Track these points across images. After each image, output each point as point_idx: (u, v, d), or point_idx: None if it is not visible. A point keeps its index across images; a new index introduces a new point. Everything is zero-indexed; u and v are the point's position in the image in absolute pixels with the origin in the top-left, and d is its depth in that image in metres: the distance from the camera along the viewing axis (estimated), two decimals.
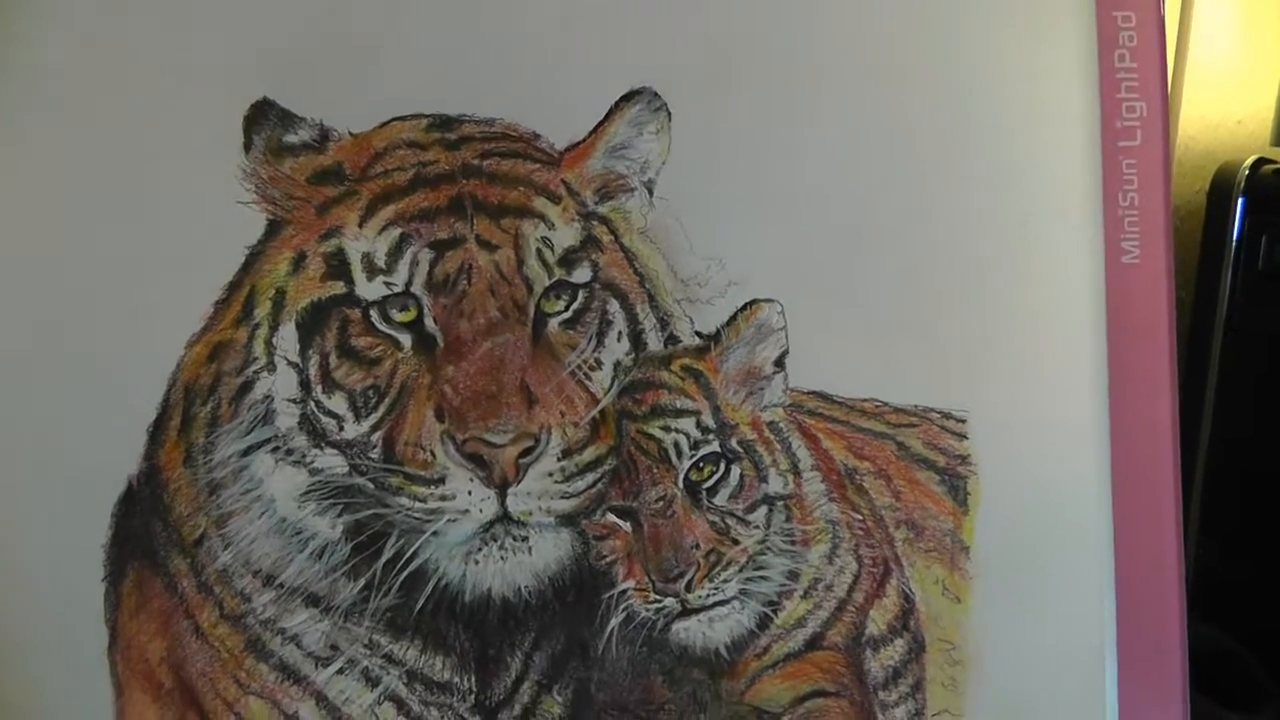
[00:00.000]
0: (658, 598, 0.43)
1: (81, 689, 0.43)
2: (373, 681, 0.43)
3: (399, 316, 0.44)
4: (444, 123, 0.45)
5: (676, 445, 0.43)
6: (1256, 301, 0.60)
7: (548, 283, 0.44)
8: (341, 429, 0.43)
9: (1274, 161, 0.61)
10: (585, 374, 0.44)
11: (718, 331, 0.44)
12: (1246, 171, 0.60)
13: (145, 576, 0.43)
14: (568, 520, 0.43)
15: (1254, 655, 0.55)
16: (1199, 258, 0.61)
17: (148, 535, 0.43)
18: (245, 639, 0.43)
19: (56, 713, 0.44)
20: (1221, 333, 0.56)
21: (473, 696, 0.44)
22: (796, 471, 0.44)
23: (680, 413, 0.44)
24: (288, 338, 0.44)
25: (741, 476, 0.44)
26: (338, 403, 0.43)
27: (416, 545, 0.43)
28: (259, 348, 0.44)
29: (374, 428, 0.43)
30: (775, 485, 0.44)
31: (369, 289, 0.44)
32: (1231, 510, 0.58)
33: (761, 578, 0.44)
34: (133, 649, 0.43)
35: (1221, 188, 0.61)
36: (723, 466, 0.44)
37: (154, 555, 0.43)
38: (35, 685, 0.44)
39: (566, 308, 0.44)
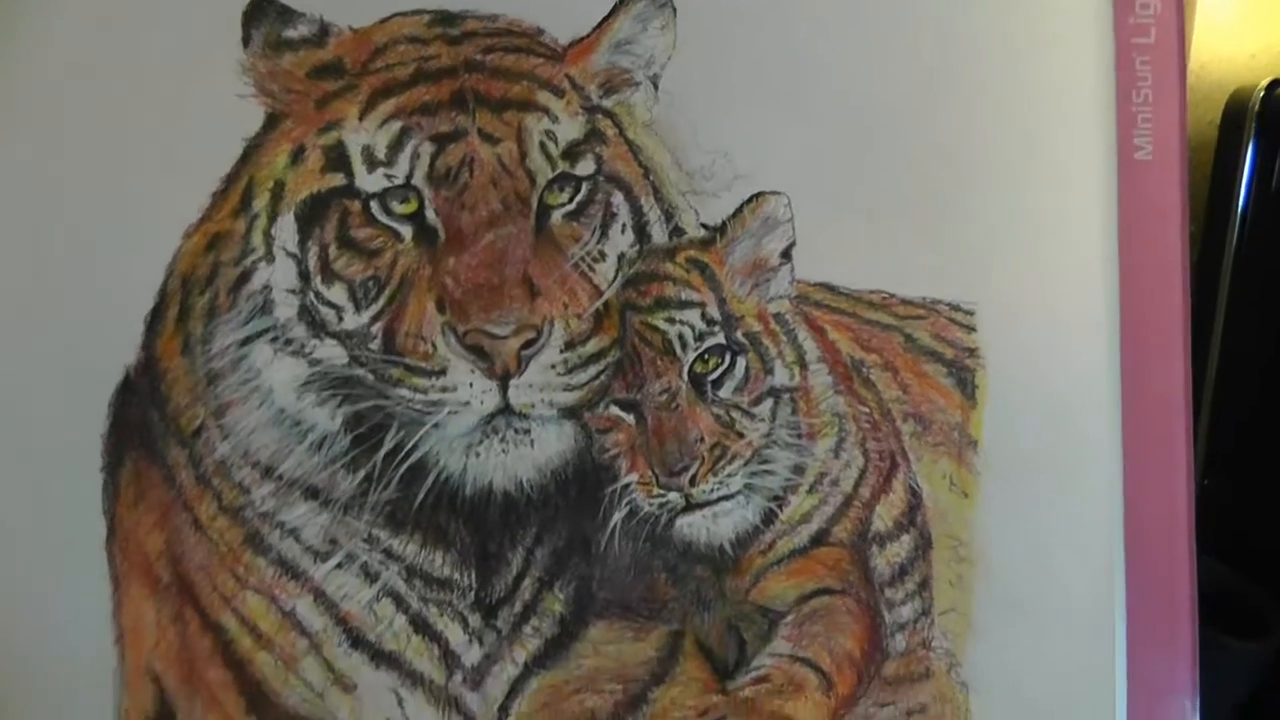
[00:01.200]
0: (661, 492, 0.44)
1: (80, 583, 0.43)
2: (371, 577, 0.44)
3: (399, 209, 0.45)
4: (446, 18, 0.47)
5: (681, 337, 0.44)
6: (1269, 224, 0.59)
7: (551, 175, 0.45)
8: (341, 320, 0.44)
9: None
10: (589, 266, 0.45)
11: (723, 224, 0.45)
12: (1261, 93, 0.60)
13: (143, 468, 0.44)
14: (570, 413, 0.45)
15: (1258, 587, 0.55)
16: (1209, 183, 0.60)
17: (145, 425, 0.44)
18: (244, 532, 0.44)
19: (54, 608, 0.43)
20: (1232, 260, 0.56)
21: (473, 593, 0.44)
22: (803, 364, 0.44)
23: (685, 305, 0.44)
24: (286, 229, 0.44)
25: (747, 369, 0.44)
26: (337, 293, 0.44)
27: (417, 437, 0.44)
28: (257, 238, 0.44)
29: (374, 319, 0.44)
30: (781, 378, 0.44)
31: (369, 181, 0.46)
32: (1238, 442, 0.58)
33: (767, 472, 0.44)
34: (131, 542, 0.44)
35: (1235, 110, 0.61)
36: (728, 359, 0.44)
37: (152, 446, 0.44)
38: (34, 582, 0.43)
39: (570, 200, 0.45)
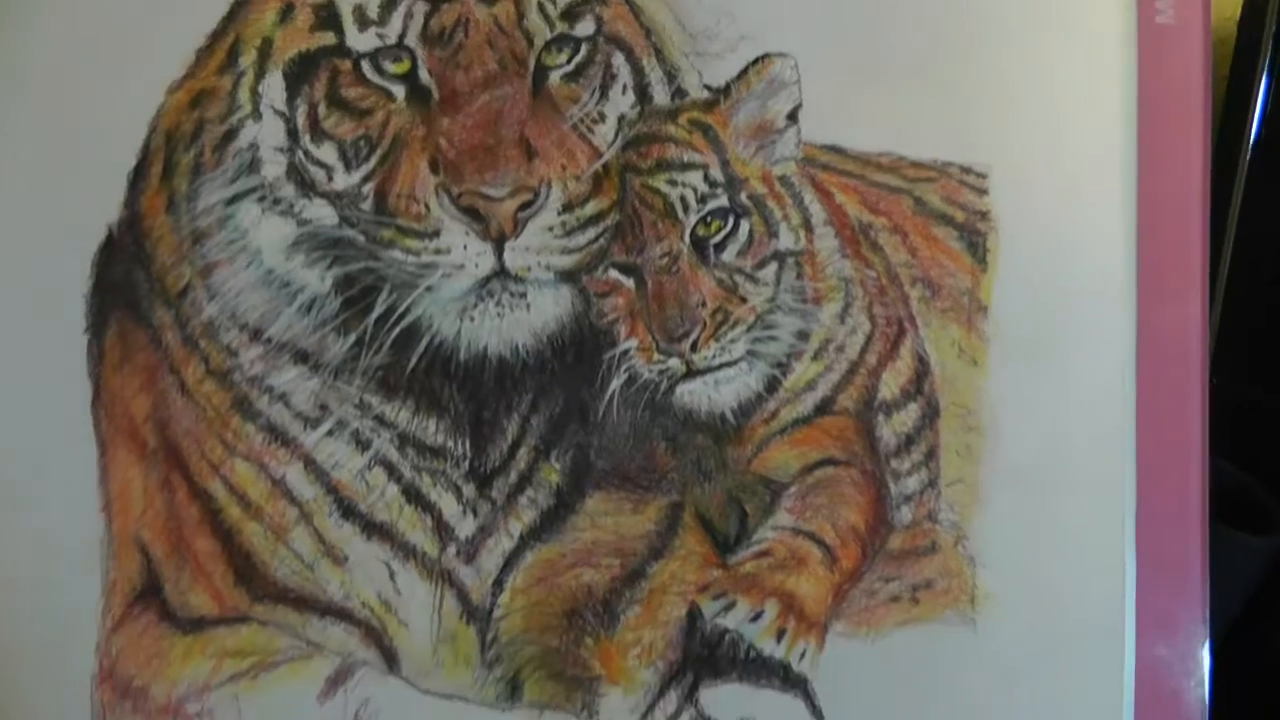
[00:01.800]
0: (661, 358, 0.43)
1: (65, 448, 0.42)
2: (363, 445, 0.44)
3: (392, 68, 0.44)
4: None
5: (683, 200, 0.43)
6: None
7: (549, 36, 0.45)
8: (331, 180, 0.43)
9: None
10: (588, 127, 0.44)
11: (727, 85, 0.44)
12: None
13: (128, 329, 0.44)
14: (568, 277, 0.44)
15: (1265, 485, 0.54)
16: (1231, 62, 0.58)
17: (130, 285, 0.43)
18: (232, 397, 0.44)
19: (40, 474, 0.42)
20: (1249, 155, 0.55)
21: (467, 462, 0.44)
22: (808, 227, 0.44)
23: (687, 166, 0.43)
24: (274, 86, 0.44)
25: (750, 232, 0.43)
26: (327, 152, 0.43)
27: (409, 301, 0.43)
28: (244, 95, 0.43)
29: (365, 179, 0.43)
30: (786, 241, 0.43)
31: (360, 40, 0.45)
32: (1249, 341, 0.57)
33: (770, 338, 0.44)
34: (116, 404, 0.44)
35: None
36: (731, 221, 0.43)
37: (137, 306, 0.43)
38: (18, 448, 0.43)
39: (568, 61, 0.44)
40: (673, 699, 0.47)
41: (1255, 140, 0.60)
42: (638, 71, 0.46)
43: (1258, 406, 0.57)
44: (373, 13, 0.45)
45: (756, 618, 0.47)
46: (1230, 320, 0.58)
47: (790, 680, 0.47)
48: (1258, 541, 0.56)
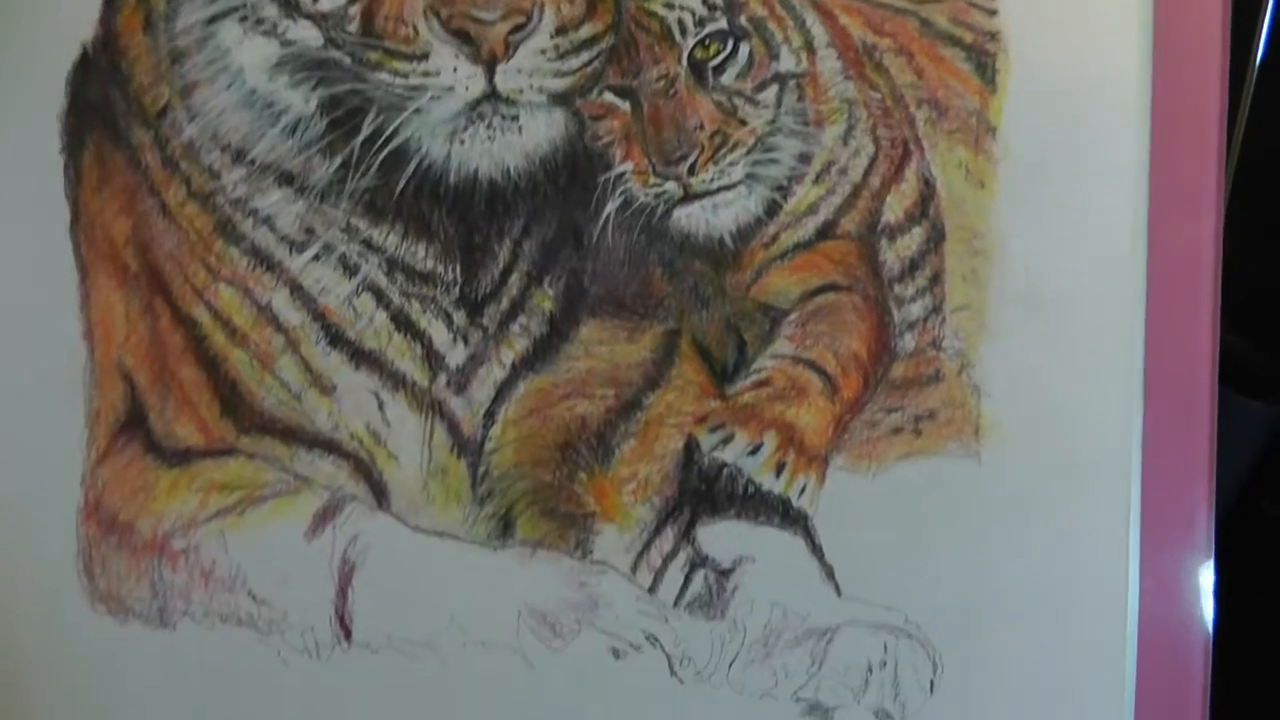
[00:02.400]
0: (658, 181, 0.42)
1: (45, 272, 0.41)
2: (350, 270, 0.43)
3: None
4: None
5: (680, 22, 0.42)
6: None
7: None
8: (316, 1, 0.40)
9: None
10: None
11: None
12: None
13: (106, 150, 0.43)
14: (561, 99, 0.43)
15: (1273, 356, 0.54)
16: None
17: (107, 105, 0.43)
18: (215, 220, 0.43)
19: (20, 298, 0.42)
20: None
21: (457, 288, 0.43)
22: (810, 48, 0.43)
23: None
24: None
25: (750, 54, 0.42)
26: None
27: (397, 123, 0.42)
28: None
29: (351, 1, 0.40)
30: (787, 63, 0.43)
31: None
32: (1261, 210, 0.56)
33: (770, 160, 0.43)
34: (96, 227, 0.43)
35: None
36: (730, 44, 0.43)
37: (114, 126, 0.43)
38: None
39: None
40: (669, 537, 0.47)
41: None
42: None
43: (1266, 273, 0.56)
44: None
45: (755, 450, 0.46)
46: (1243, 185, 0.57)
47: (790, 517, 0.47)
48: (1262, 408, 0.55)
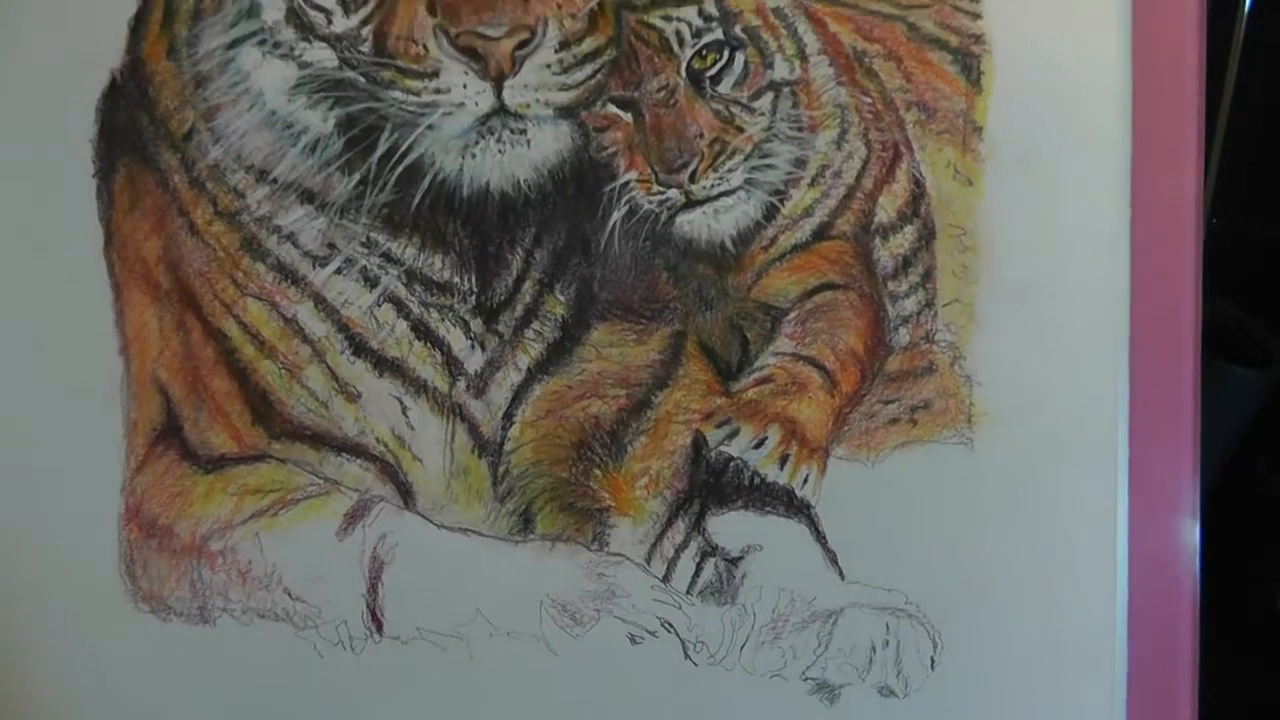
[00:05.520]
0: (661, 189, 0.45)
1: (81, 291, 0.44)
2: (371, 282, 0.46)
3: None
4: None
5: (678, 34, 0.45)
6: None
7: None
8: (330, 23, 0.45)
9: None
10: None
11: None
12: None
13: (136, 172, 0.46)
14: (567, 112, 0.46)
15: (1261, 321, 0.57)
16: None
17: (135, 129, 0.46)
18: (241, 237, 0.46)
19: (57, 316, 0.45)
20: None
21: (473, 297, 0.46)
22: (803, 56, 0.45)
23: (681, 1, 0.44)
24: None
25: (746, 63, 0.45)
26: None
27: (411, 139, 0.45)
28: None
29: (363, 22, 0.45)
30: (781, 71, 0.45)
31: None
32: (1248, 181, 0.59)
33: (767, 166, 0.46)
34: (128, 247, 0.46)
35: None
36: (726, 54, 0.45)
37: (143, 150, 0.46)
38: (36, 290, 0.45)
39: None
40: (680, 528, 0.50)
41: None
42: None
43: (1256, 242, 0.59)
44: None
45: (760, 444, 0.50)
46: (1229, 159, 0.60)
47: (794, 506, 0.50)
48: (1252, 375, 0.58)
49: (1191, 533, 0.49)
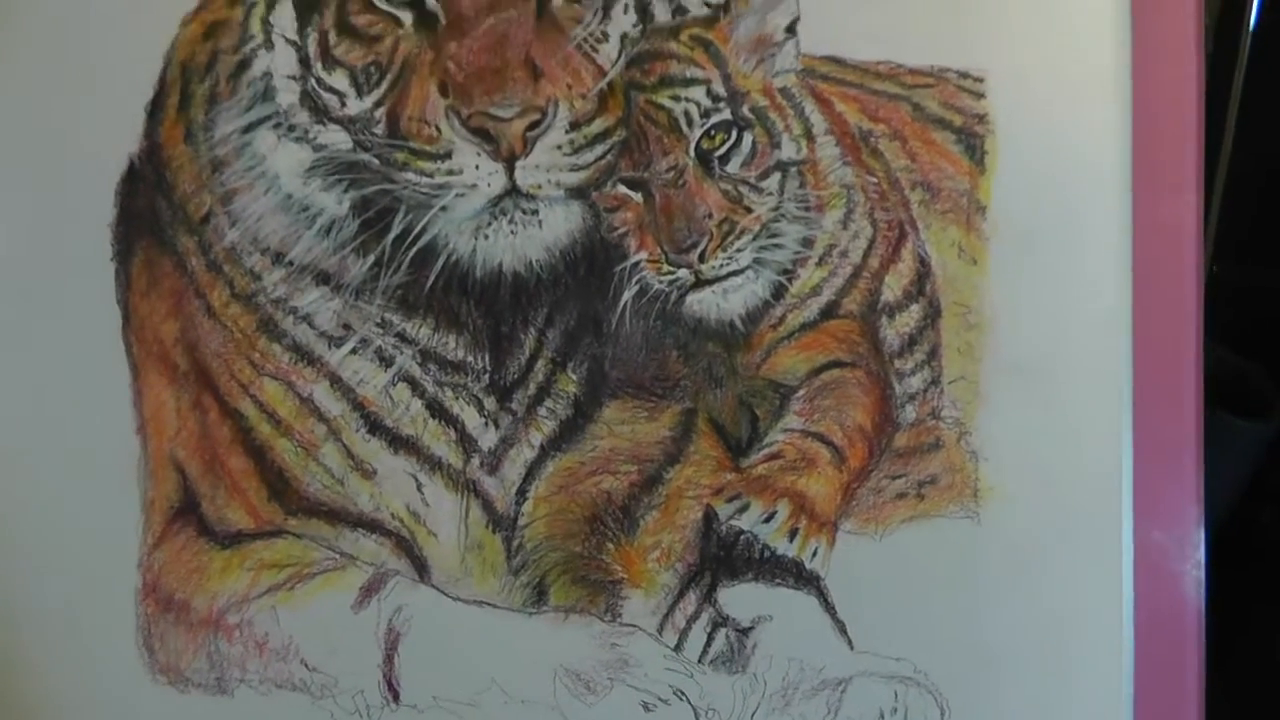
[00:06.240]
0: (671, 269, 0.46)
1: (99, 373, 0.45)
2: (386, 362, 0.47)
3: None
4: None
5: (687, 114, 0.46)
6: None
7: None
8: (344, 105, 0.46)
9: None
10: (592, 47, 0.47)
11: (727, 1, 0.45)
12: None
13: (154, 255, 0.47)
14: (577, 193, 0.46)
15: (1262, 370, 0.58)
16: None
17: (153, 213, 0.47)
18: (257, 319, 0.47)
19: (76, 398, 0.46)
20: (1249, 41, 0.57)
21: (487, 376, 0.47)
22: (810, 136, 0.46)
23: (690, 82, 0.46)
24: (284, 16, 0.46)
25: (754, 143, 0.46)
26: (339, 79, 0.46)
27: (425, 221, 0.46)
28: (255, 25, 0.46)
29: (377, 104, 0.46)
30: (788, 151, 0.46)
31: None
32: (1249, 229, 0.60)
33: (775, 245, 0.47)
34: (146, 329, 0.47)
35: None
36: (734, 134, 0.46)
37: (161, 234, 0.47)
38: (55, 375, 0.46)
39: None
40: (692, 599, 0.51)
41: (1254, 28, 0.61)
42: None
43: (1257, 290, 0.60)
44: None
45: (769, 518, 0.50)
46: (1231, 205, 0.61)
47: (803, 578, 0.51)
48: (1255, 427, 0.59)
49: (1197, 601, 0.50)
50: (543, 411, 0.50)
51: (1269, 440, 0.61)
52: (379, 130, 0.48)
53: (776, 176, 0.49)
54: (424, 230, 0.48)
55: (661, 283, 0.49)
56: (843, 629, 0.50)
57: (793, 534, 0.50)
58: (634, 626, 0.51)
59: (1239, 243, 0.61)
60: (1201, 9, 0.50)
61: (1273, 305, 0.62)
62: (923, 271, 0.50)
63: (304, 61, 0.48)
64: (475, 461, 0.50)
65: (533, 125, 0.47)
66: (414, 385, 0.50)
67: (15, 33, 0.49)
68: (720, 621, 0.51)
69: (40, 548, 0.51)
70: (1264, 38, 0.61)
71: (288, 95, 0.48)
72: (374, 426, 0.50)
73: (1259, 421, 0.61)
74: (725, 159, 0.49)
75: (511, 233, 0.48)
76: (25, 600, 0.52)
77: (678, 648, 0.51)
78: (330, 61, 0.48)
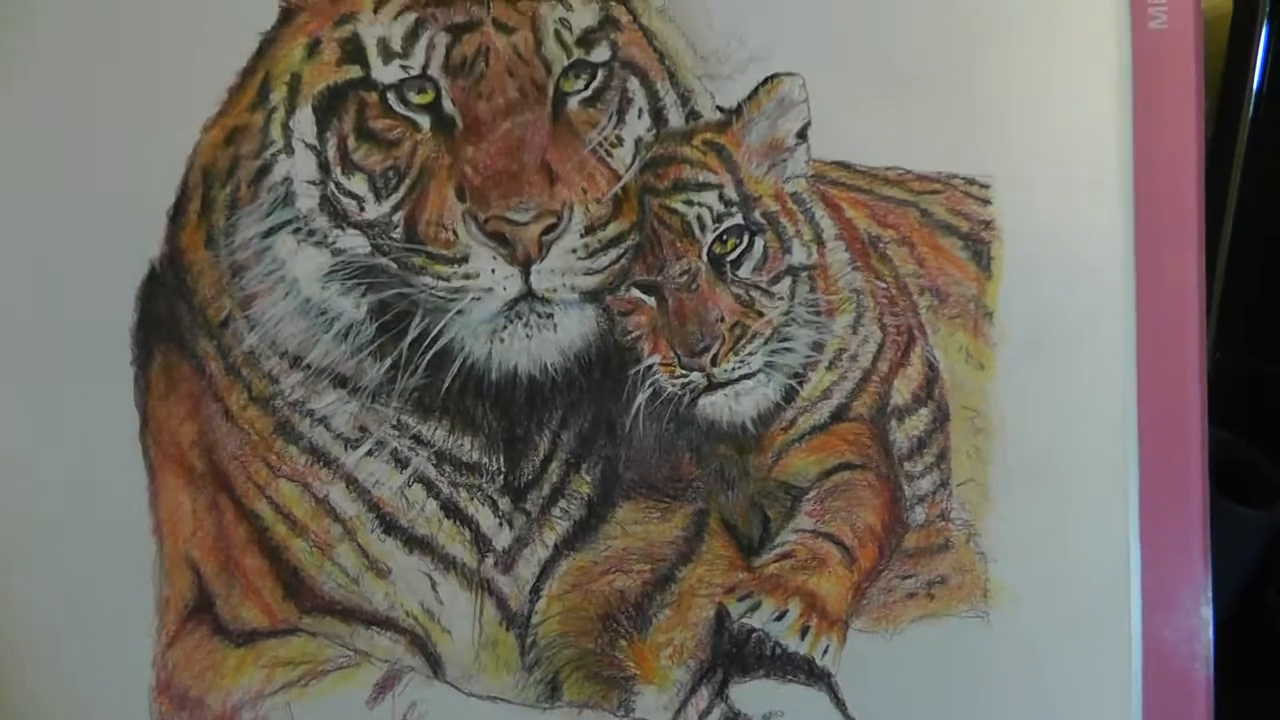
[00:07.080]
0: (684, 372, 0.47)
1: (116, 475, 0.46)
2: (402, 463, 0.47)
3: (417, 99, 0.47)
4: None
5: (699, 219, 0.47)
6: None
7: (566, 62, 0.48)
8: (362, 210, 0.47)
9: None
10: (606, 151, 0.48)
11: (739, 106, 0.48)
12: None
13: (173, 360, 0.47)
14: (592, 297, 0.47)
15: (1267, 457, 0.59)
16: (1224, 58, 0.62)
17: (173, 318, 0.47)
18: (274, 421, 0.47)
19: (92, 500, 0.47)
20: (1247, 135, 0.58)
21: (501, 477, 0.48)
22: (820, 241, 0.47)
23: (703, 186, 0.47)
24: (304, 121, 0.47)
25: (765, 248, 0.47)
26: (358, 184, 0.47)
27: (441, 324, 0.47)
28: (276, 131, 0.47)
29: (395, 208, 0.47)
30: (799, 255, 0.47)
31: (385, 73, 0.48)
32: (1251, 316, 0.61)
33: (786, 349, 0.48)
34: (164, 432, 0.48)
35: None
36: (746, 238, 0.47)
37: (180, 338, 0.47)
38: (70, 477, 0.47)
39: (586, 86, 0.48)
40: (704, 695, 0.52)
41: (1251, 125, 0.63)
42: (652, 95, 0.51)
43: (1259, 377, 0.61)
44: (396, 45, 0.49)
45: (781, 616, 0.51)
46: (1231, 294, 0.62)
47: (814, 675, 0.51)
48: (1260, 515, 0.60)
49: (1206, 698, 0.51)
50: (557, 512, 0.51)
51: (1275, 530, 0.61)
52: (397, 234, 0.49)
53: (787, 281, 0.50)
54: (440, 333, 0.49)
55: (674, 386, 0.50)
56: None
57: (804, 632, 0.51)
58: None
59: (1239, 328, 0.63)
60: (1202, 113, 0.51)
61: (1274, 392, 0.63)
62: (931, 376, 0.51)
63: (323, 166, 0.49)
64: (490, 561, 0.51)
65: (548, 229, 0.48)
66: (429, 486, 0.51)
67: (40, 134, 0.49)
68: (732, 716, 0.51)
69: (55, 645, 0.51)
70: (1261, 125, 0.63)
71: (307, 200, 0.49)
72: (389, 527, 0.50)
73: (1265, 510, 0.62)
74: (737, 263, 0.50)
75: (527, 336, 0.49)
76: (40, 697, 0.52)
77: None
78: (349, 166, 0.49)
